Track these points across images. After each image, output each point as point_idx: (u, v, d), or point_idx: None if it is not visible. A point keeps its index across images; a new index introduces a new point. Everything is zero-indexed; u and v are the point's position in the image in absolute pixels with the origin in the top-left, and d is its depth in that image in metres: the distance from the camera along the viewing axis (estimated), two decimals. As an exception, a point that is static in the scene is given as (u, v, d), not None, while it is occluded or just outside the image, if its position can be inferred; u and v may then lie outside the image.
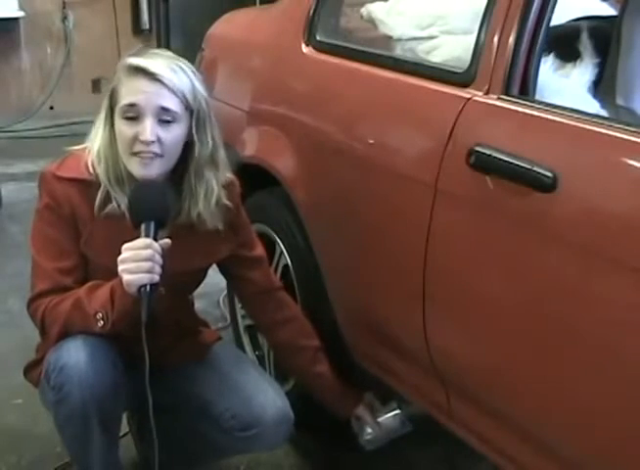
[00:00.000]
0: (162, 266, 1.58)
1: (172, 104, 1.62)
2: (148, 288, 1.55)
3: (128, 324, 1.59)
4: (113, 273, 1.58)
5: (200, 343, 1.96)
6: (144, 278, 1.55)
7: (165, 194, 1.64)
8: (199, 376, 1.89)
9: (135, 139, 1.61)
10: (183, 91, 1.62)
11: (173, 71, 1.62)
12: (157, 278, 1.56)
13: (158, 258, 1.57)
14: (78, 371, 1.60)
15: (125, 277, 1.55)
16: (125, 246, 1.57)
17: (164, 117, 1.61)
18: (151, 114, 1.60)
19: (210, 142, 1.69)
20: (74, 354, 1.62)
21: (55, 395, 1.64)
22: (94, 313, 1.62)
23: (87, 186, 1.69)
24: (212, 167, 1.72)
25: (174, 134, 1.63)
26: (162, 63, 1.62)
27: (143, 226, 1.59)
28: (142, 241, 1.57)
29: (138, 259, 1.55)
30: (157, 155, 1.62)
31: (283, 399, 1.83)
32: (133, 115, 1.61)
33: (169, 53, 1.71)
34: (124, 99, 1.61)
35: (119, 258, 1.56)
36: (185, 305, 1.97)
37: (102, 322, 1.62)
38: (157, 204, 1.62)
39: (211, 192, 1.72)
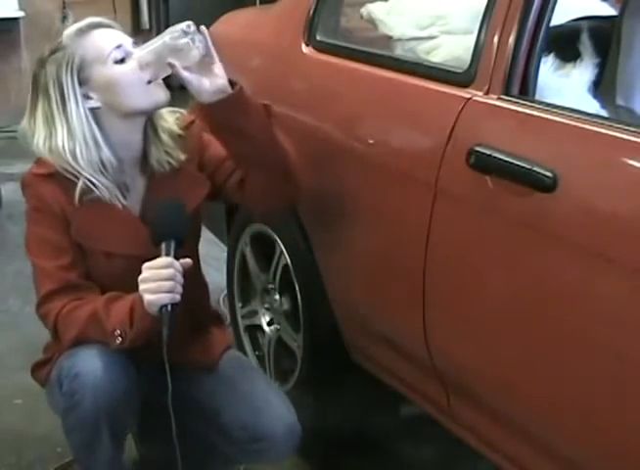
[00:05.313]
0: (183, 286, 1.57)
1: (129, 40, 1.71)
2: (169, 307, 1.55)
3: (146, 340, 1.58)
4: (111, 258, 1.60)
5: (211, 347, 1.89)
6: (165, 298, 1.54)
7: (184, 213, 1.66)
8: (208, 383, 1.83)
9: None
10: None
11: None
12: (178, 298, 1.56)
13: (179, 277, 1.56)
14: (93, 380, 1.59)
15: (146, 297, 1.55)
16: (146, 265, 1.56)
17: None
18: (134, 45, 1.68)
19: None
20: (90, 363, 1.60)
21: (67, 401, 1.62)
22: (112, 330, 1.60)
23: (65, 177, 1.68)
24: None
25: None
26: (96, 18, 1.71)
27: (163, 245, 1.59)
28: (163, 260, 1.57)
29: (159, 279, 1.55)
30: None
31: (292, 412, 1.78)
32: (122, 55, 1.66)
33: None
34: (104, 49, 1.66)
35: (140, 277, 1.56)
36: (196, 278, 1.85)
37: (120, 339, 1.59)
38: (177, 223, 1.63)
39: (163, 129, 1.75)
